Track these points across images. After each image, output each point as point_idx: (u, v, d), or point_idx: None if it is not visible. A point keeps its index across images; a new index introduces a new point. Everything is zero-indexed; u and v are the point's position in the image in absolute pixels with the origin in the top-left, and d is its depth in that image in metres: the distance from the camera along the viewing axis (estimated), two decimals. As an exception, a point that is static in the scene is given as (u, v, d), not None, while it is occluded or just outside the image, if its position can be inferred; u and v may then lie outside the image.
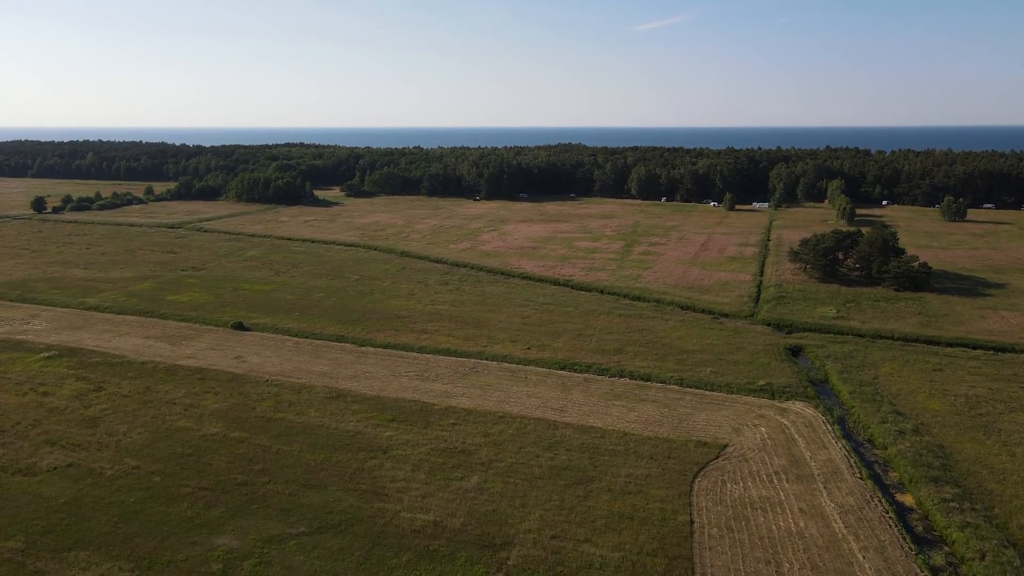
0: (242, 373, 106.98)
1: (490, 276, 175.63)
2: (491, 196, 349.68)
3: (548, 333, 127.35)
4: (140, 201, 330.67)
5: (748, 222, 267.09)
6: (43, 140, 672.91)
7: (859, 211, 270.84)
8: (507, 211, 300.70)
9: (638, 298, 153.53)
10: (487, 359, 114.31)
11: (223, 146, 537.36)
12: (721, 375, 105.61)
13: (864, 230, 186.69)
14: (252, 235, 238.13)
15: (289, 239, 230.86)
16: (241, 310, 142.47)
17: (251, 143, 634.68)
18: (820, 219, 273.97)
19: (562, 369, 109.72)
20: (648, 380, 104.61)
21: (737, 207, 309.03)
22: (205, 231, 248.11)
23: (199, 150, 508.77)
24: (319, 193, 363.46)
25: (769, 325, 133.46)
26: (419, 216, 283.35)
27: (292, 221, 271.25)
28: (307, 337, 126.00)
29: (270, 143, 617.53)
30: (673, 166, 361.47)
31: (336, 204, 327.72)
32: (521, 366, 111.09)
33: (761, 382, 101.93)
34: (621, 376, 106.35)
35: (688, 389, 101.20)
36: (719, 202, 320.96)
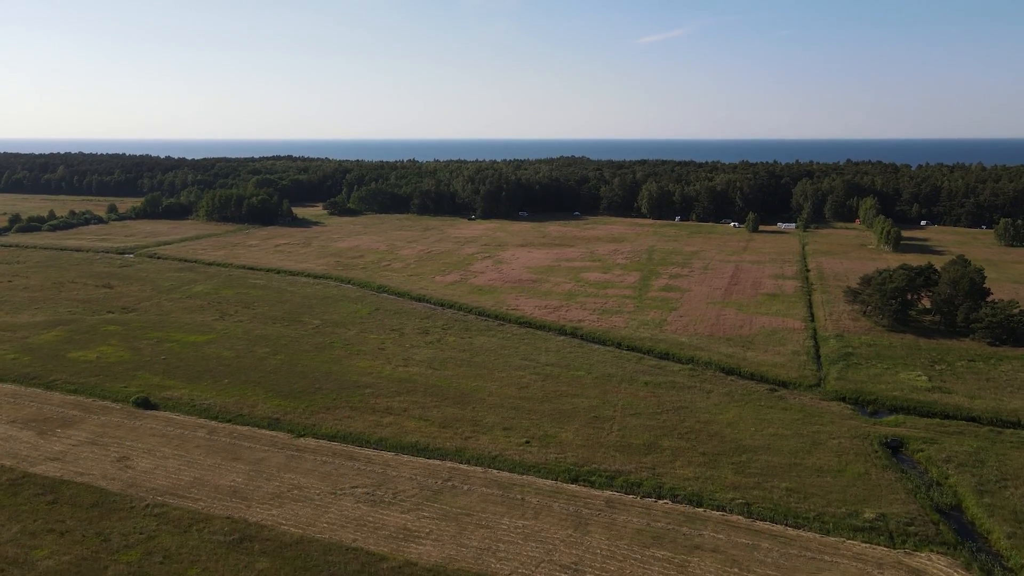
0: (117, 491, 74.75)
1: (481, 321, 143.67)
2: (488, 215, 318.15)
3: (553, 415, 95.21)
4: (100, 220, 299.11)
5: (777, 246, 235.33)
6: (22, 152, 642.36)
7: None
8: (504, 233, 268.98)
9: (666, 355, 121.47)
10: (469, 462, 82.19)
11: (203, 159, 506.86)
12: (804, 497, 73.30)
13: (932, 261, 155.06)
14: (209, 263, 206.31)
15: (252, 268, 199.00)
16: (157, 375, 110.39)
17: (241, 156, 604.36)
18: (858, 243, 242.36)
19: (574, 481, 77.52)
20: (699, 505, 72.33)
21: (760, 228, 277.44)
22: (158, 258, 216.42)
23: (177, 163, 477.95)
24: (300, 211, 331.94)
25: (844, 400, 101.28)
26: (405, 239, 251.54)
27: (261, 245, 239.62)
28: (230, 421, 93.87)
29: (257, 156, 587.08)
30: (687, 182, 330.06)
31: (316, 224, 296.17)
32: (516, 476, 78.93)
33: (869, 513, 69.56)
34: (659, 496, 74.10)
35: (760, 524, 68.90)
36: (740, 222, 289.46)
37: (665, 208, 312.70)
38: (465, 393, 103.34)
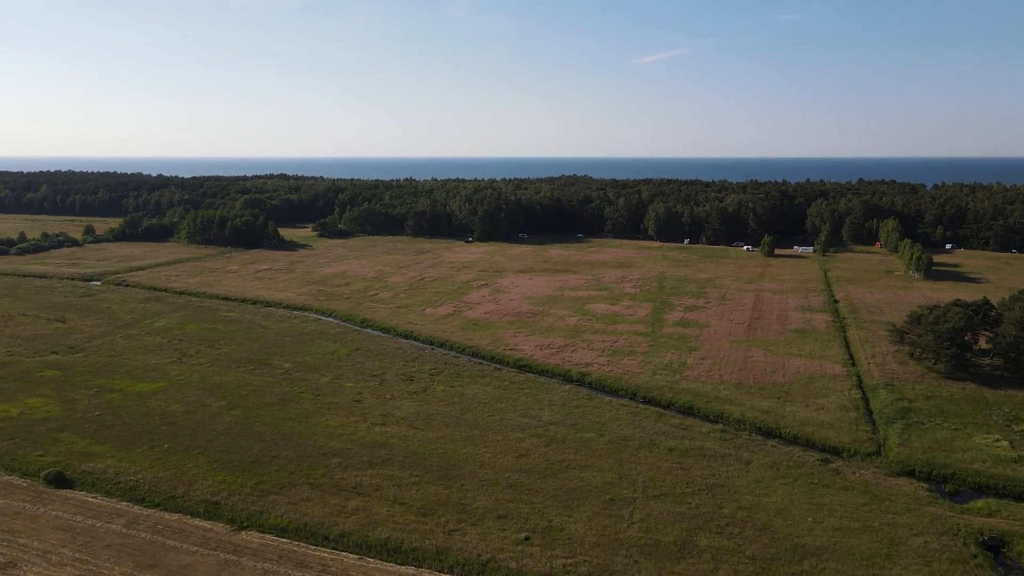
0: (-16, 621, 56.67)
1: (475, 365, 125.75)
2: (486, 237, 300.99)
3: (559, 496, 77.02)
4: (75, 243, 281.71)
5: (797, 273, 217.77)
6: (10, 171, 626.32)
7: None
8: (503, 257, 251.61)
9: (689, 410, 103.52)
10: (452, 570, 63.97)
11: (192, 178, 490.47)
12: (896, 632, 54.99)
13: (973, 292, 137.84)
14: (180, 292, 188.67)
15: (225, 299, 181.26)
16: (84, 437, 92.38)
17: (233, 174, 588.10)
18: (884, 269, 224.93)
19: (588, 603, 59.27)
20: (757, 645, 54.04)
21: (776, 251, 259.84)
22: (126, 285, 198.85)
23: (164, 182, 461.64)
24: (289, 233, 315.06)
25: (913, 475, 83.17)
26: (397, 265, 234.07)
27: (241, 271, 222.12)
28: (157, 505, 75.66)
29: (249, 174, 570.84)
30: (696, 202, 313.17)
31: (303, 247, 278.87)
32: (513, 593, 60.71)
33: (992, 666, 51.27)
34: (702, 629, 55.82)
35: None
36: (753, 245, 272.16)
37: (673, 230, 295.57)
38: (452, 463, 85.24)
